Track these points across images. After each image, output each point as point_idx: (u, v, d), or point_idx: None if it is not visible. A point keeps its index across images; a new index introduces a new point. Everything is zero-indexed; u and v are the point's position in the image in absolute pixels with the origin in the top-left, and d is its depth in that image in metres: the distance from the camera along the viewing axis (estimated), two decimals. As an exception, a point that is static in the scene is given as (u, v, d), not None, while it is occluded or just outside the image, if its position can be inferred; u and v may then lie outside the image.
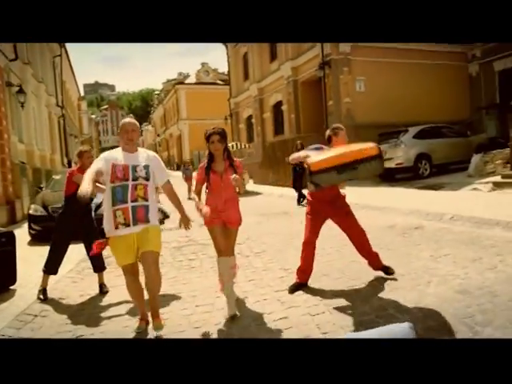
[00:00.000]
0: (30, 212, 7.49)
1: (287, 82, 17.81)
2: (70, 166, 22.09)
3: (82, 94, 52.53)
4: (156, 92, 65.95)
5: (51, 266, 4.32)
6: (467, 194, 8.69)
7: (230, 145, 16.94)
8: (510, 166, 8.89)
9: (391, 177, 12.17)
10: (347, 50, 14.49)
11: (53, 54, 21.31)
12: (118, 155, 2.97)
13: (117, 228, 2.89)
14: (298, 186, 10.20)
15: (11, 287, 4.55)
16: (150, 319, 3.14)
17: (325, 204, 3.87)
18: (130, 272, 3.10)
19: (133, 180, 2.89)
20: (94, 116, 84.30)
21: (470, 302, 3.27)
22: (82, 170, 4.30)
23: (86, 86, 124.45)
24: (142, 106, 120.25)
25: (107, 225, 2.94)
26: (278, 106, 19.62)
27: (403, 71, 15.22)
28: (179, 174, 20.10)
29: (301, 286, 3.97)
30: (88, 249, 4.50)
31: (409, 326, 1.64)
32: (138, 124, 3.09)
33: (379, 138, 12.36)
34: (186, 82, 42.32)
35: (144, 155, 3.05)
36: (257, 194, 14.48)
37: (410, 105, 14.64)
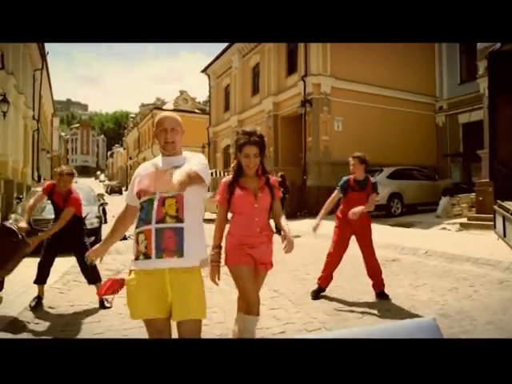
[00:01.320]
0: (10, 222, 7.31)
1: (268, 116, 18.46)
2: (39, 180, 21.51)
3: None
4: (131, 115, 65.85)
5: (40, 277, 4.38)
6: (437, 232, 9.25)
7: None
8: (475, 209, 9.57)
9: (364, 213, 12.69)
10: (328, 91, 15.35)
11: (34, 67, 21.16)
12: (153, 163, 2.16)
13: (137, 259, 1.98)
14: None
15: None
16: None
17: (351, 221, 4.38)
18: (158, 330, 1.96)
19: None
20: (63, 134, 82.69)
21: (452, 324, 3.57)
22: (55, 185, 4.42)
23: (57, 102, 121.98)
24: (115, 129, 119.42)
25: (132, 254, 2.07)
26: (257, 138, 20.16)
27: (378, 115, 16.20)
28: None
29: (321, 290, 4.57)
30: (81, 263, 4.48)
31: (433, 321, 1.85)
32: (179, 121, 2.19)
33: (355, 176, 13.00)
34: (164, 107, 42.64)
35: (183, 158, 2.11)
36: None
37: (383, 147, 15.51)
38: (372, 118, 15.97)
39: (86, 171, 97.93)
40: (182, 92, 43.10)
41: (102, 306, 4.27)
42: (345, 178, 4.61)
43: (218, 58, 23.85)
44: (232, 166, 2.71)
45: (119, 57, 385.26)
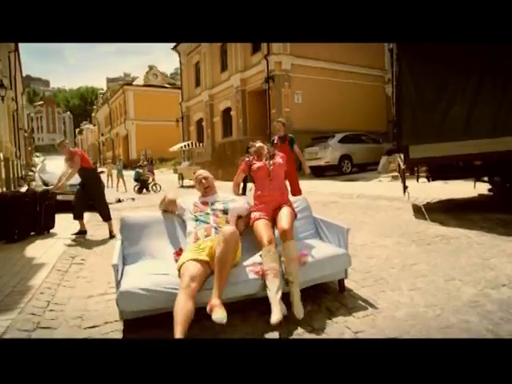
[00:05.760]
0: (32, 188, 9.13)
1: (236, 90, 20.28)
2: (20, 158, 22.76)
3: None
4: (101, 91, 65.39)
5: (76, 214, 6.15)
6: (374, 183, 11.67)
7: (183, 144, 19.09)
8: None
9: (321, 173, 15.02)
10: (288, 68, 17.32)
11: (8, 50, 21.90)
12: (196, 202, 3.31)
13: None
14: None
15: (51, 231, 6.43)
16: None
17: None
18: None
19: None
20: (27, 111, 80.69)
21: (353, 225, 5.83)
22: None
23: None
24: (81, 105, 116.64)
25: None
26: (227, 112, 22.00)
27: (333, 88, 18.37)
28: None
29: None
30: (98, 205, 6.29)
31: (304, 199, 3.98)
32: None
33: (312, 142, 15.22)
34: (134, 83, 43.23)
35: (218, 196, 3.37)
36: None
37: (338, 116, 17.80)
38: (328, 91, 18.13)
39: (54, 150, 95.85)
40: (151, 67, 43.63)
41: (110, 236, 6.11)
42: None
43: (186, 35, 25.10)
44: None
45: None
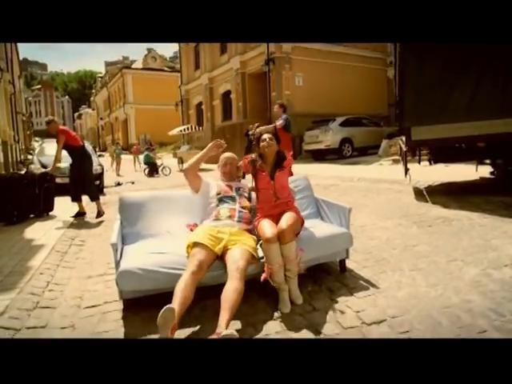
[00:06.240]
0: (31, 170, 9.06)
1: (236, 73, 20.00)
2: (18, 142, 22.62)
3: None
4: (99, 75, 64.63)
5: (74, 196, 6.18)
6: (374, 167, 11.60)
7: (182, 128, 18.92)
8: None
9: (321, 157, 14.93)
10: (289, 50, 17.04)
11: (4, 32, 21.55)
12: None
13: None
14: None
15: (50, 213, 6.39)
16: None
17: None
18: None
19: None
20: (25, 95, 79.83)
21: (354, 205, 5.80)
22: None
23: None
24: (79, 89, 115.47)
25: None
26: (226, 95, 21.75)
27: (335, 71, 18.11)
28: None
29: None
30: (86, 184, 6.23)
31: (305, 178, 3.94)
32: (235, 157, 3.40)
33: (312, 125, 15.09)
34: (133, 66, 42.70)
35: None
36: (210, 170, 16.65)
37: (339, 99, 17.59)
38: (329, 73, 17.89)
39: (52, 134, 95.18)
40: (149, 50, 43.04)
41: (98, 214, 6.16)
42: None
43: (185, 17, 24.67)
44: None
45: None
